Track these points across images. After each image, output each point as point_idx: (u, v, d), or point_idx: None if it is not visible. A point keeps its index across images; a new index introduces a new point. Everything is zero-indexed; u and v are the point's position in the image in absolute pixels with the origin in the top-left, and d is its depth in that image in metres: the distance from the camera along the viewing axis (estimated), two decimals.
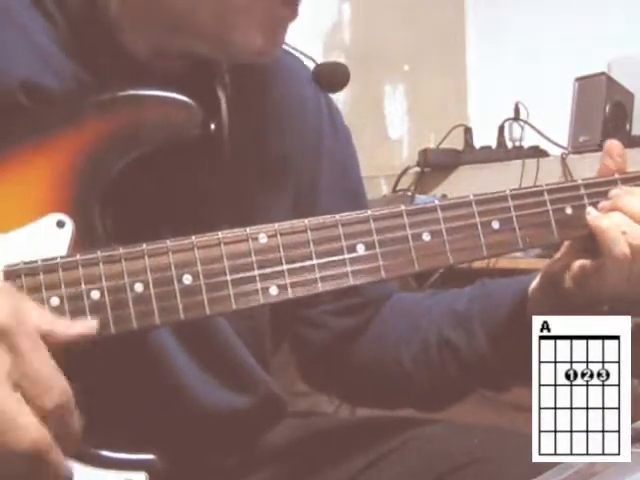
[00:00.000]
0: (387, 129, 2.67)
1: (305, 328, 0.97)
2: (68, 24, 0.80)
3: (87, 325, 0.68)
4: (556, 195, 0.82)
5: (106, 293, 0.70)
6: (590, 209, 0.81)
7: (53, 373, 0.63)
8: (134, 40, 0.81)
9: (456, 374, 0.91)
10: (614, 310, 0.82)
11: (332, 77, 0.94)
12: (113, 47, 0.80)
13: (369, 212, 0.76)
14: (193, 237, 0.72)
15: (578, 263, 0.81)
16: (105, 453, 0.71)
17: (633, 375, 0.69)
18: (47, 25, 0.79)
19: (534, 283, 0.87)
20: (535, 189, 0.82)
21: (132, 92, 0.76)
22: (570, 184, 0.83)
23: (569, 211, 0.82)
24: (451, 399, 0.95)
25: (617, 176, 0.83)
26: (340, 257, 0.75)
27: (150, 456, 0.72)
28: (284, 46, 0.96)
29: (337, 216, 0.76)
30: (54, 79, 0.78)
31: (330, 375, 0.99)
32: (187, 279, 0.71)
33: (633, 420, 0.70)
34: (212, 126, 0.80)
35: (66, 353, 0.65)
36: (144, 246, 0.71)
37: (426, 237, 0.78)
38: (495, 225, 0.80)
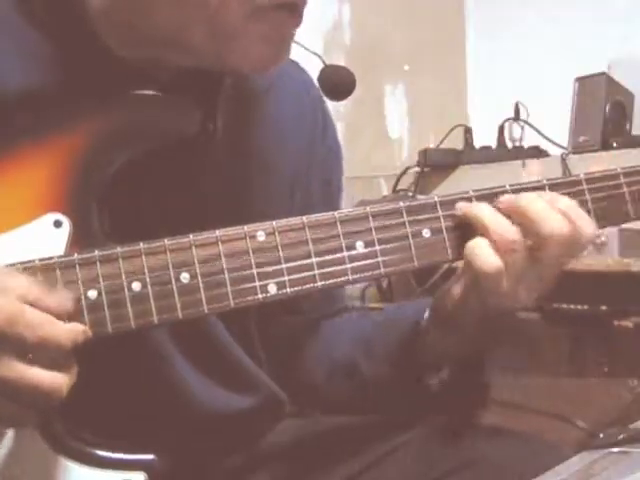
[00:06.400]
0: (387, 129, 2.67)
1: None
2: (60, 33, 0.79)
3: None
4: (555, 190, 0.82)
5: (104, 292, 0.69)
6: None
7: (48, 333, 0.65)
8: (127, 54, 0.79)
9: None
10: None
11: (338, 84, 0.94)
12: (106, 57, 0.79)
13: (368, 209, 0.76)
14: (191, 235, 0.72)
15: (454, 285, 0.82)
16: (104, 453, 0.71)
17: (633, 375, 0.69)
18: (38, 31, 0.79)
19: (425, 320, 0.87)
20: (537, 184, 0.82)
21: (127, 93, 0.75)
22: (569, 179, 0.82)
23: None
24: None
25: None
26: (339, 255, 0.75)
27: (149, 456, 0.72)
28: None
29: (335, 213, 0.76)
30: (48, 82, 0.77)
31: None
32: (185, 278, 0.71)
33: (633, 420, 0.70)
34: (209, 126, 0.80)
35: None
36: (141, 245, 0.71)
37: (426, 233, 0.78)
38: None
